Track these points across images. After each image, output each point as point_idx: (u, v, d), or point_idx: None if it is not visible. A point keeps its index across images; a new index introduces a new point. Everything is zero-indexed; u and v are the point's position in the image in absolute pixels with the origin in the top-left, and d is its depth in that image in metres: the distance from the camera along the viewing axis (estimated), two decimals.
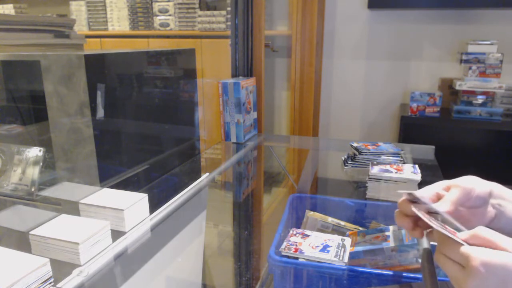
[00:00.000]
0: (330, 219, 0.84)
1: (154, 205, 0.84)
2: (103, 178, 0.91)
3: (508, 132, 2.07)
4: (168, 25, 2.74)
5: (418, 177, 0.97)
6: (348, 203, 0.91)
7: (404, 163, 1.15)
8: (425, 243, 0.56)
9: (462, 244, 0.44)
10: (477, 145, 2.31)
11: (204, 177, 1.12)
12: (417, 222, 0.53)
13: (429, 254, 0.54)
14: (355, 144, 1.26)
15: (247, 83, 1.48)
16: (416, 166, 1.04)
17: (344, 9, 2.45)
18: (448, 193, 0.55)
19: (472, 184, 0.55)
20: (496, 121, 2.07)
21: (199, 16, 2.64)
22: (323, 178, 1.36)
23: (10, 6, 2.80)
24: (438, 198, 0.56)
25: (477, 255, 0.42)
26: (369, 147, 1.24)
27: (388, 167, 1.03)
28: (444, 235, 0.46)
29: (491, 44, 2.02)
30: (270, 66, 2.70)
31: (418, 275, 0.62)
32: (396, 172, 0.99)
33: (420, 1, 2.17)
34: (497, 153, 2.27)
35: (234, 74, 1.61)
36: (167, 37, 2.74)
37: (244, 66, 1.60)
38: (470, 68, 2.06)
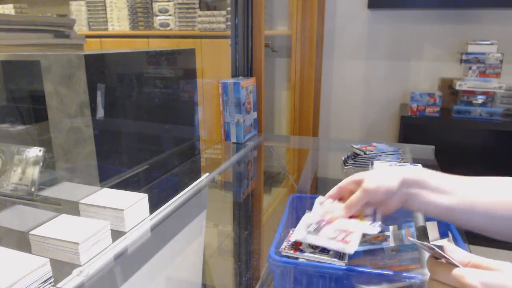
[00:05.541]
0: None
1: (154, 205, 0.84)
2: (103, 178, 0.91)
3: (508, 132, 2.07)
4: (168, 25, 2.74)
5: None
6: None
7: (404, 161, 1.15)
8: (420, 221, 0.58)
9: (455, 268, 0.43)
10: (477, 145, 2.31)
11: (204, 177, 1.12)
12: None
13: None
14: (356, 146, 1.26)
15: (247, 83, 1.48)
16: (419, 165, 1.03)
17: (344, 9, 2.45)
18: (351, 198, 0.62)
19: (377, 182, 0.60)
20: (496, 121, 2.07)
21: (199, 16, 2.64)
22: (323, 178, 1.36)
23: (10, 6, 2.80)
24: (342, 194, 0.65)
25: (474, 274, 0.41)
26: (369, 148, 1.24)
27: (388, 166, 1.03)
28: (437, 262, 0.46)
29: (491, 44, 2.02)
30: (270, 66, 2.70)
31: (418, 275, 0.62)
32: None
33: (420, 1, 2.17)
34: (497, 153, 2.28)
35: (234, 74, 1.61)
36: (167, 37, 2.74)
37: (244, 66, 1.60)
38: (470, 68, 2.06)
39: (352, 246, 0.63)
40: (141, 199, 0.77)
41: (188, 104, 1.30)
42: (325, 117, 2.66)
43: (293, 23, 2.39)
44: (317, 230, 0.67)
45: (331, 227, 0.70)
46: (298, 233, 0.67)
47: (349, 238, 0.65)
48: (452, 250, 0.45)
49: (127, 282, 0.66)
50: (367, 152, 1.20)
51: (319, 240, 0.65)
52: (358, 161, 1.20)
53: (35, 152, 0.88)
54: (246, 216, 1.08)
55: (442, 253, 0.45)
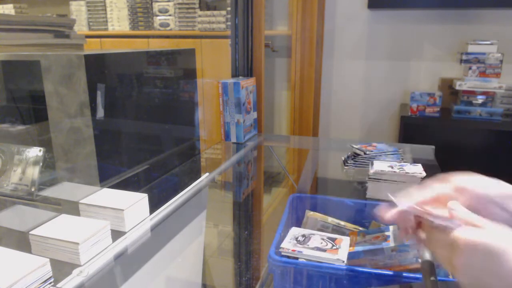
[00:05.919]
0: (330, 219, 0.84)
1: (154, 205, 0.84)
2: (103, 178, 0.91)
3: (508, 132, 2.07)
4: (168, 25, 2.74)
5: (421, 174, 0.96)
6: (348, 203, 0.91)
7: (404, 161, 1.14)
8: (426, 255, 0.56)
9: (448, 230, 0.46)
10: (477, 145, 2.31)
11: (204, 177, 1.12)
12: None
13: (431, 266, 0.54)
14: (356, 146, 1.26)
15: (247, 83, 1.48)
16: (419, 165, 1.03)
17: (344, 9, 2.45)
18: (457, 208, 0.49)
19: (483, 188, 0.51)
20: (496, 121, 2.07)
21: (199, 16, 2.64)
22: (323, 178, 1.36)
23: (10, 6, 2.80)
24: (437, 201, 0.53)
25: (460, 234, 0.44)
26: (369, 148, 1.24)
27: (388, 166, 1.03)
28: (433, 227, 0.48)
29: (491, 44, 2.02)
30: (270, 66, 2.70)
31: (418, 275, 0.62)
32: (397, 171, 0.99)
33: (420, 1, 2.17)
34: (497, 153, 2.27)
35: (234, 74, 1.61)
36: (167, 37, 2.74)
37: (244, 66, 1.60)
38: (470, 68, 2.06)
39: (341, 255, 0.64)
40: (141, 199, 0.77)
41: (188, 104, 1.30)
42: (325, 117, 2.66)
43: (293, 23, 2.39)
44: (305, 241, 0.68)
45: (318, 236, 0.71)
46: (286, 245, 0.67)
47: (337, 246, 0.66)
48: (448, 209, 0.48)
49: (127, 282, 0.66)
50: (367, 152, 1.20)
51: (308, 251, 0.66)
52: (358, 161, 1.20)
53: (35, 152, 0.88)
54: (246, 216, 1.08)
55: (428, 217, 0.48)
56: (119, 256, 0.67)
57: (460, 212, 0.47)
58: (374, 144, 1.27)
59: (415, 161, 1.22)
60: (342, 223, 0.85)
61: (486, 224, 0.44)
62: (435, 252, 0.49)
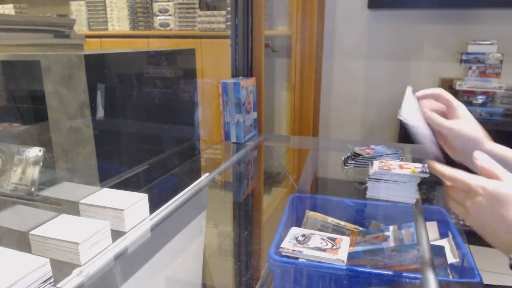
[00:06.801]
0: (330, 219, 0.84)
1: (154, 205, 0.84)
2: (103, 178, 0.91)
3: (508, 132, 2.07)
4: (168, 25, 2.74)
5: (425, 175, 0.95)
6: (348, 203, 0.91)
7: (404, 161, 1.14)
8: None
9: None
10: None
11: (204, 177, 1.12)
12: None
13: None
14: (356, 148, 1.25)
15: (247, 83, 1.48)
16: (420, 165, 1.03)
17: (344, 9, 2.45)
18: (481, 158, 0.59)
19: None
20: (496, 121, 2.07)
21: (199, 16, 2.64)
22: (323, 178, 1.36)
23: (10, 6, 2.80)
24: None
25: (478, 181, 0.52)
26: (367, 150, 1.23)
27: (388, 165, 1.03)
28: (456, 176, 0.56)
29: (491, 44, 2.02)
30: (270, 66, 2.70)
31: (418, 275, 0.62)
32: (397, 170, 0.99)
33: (420, 1, 2.17)
34: None
35: (234, 74, 1.61)
36: (167, 37, 2.74)
37: (244, 66, 1.60)
38: (470, 68, 2.06)
39: (341, 255, 0.64)
40: (141, 199, 0.77)
41: (188, 104, 1.30)
42: (325, 117, 2.66)
43: (293, 23, 2.39)
44: (305, 240, 0.68)
45: (318, 236, 0.71)
46: (286, 245, 0.67)
47: (337, 246, 0.66)
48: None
49: (127, 282, 0.66)
50: (368, 156, 1.20)
51: (308, 251, 0.66)
52: (358, 161, 1.20)
53: (35, 152, 0.88)
54: (246, 216, 1.08)
55: None
56: (119, 256, 0.67)
57: (484, 162, 0.55)
58: (372, 146, 1.27)
59: (415, 161, 1.22)
60: (342, 223, 0.85)
61: (507, 177, 0.51)
62: (450, 193, 0.57)
